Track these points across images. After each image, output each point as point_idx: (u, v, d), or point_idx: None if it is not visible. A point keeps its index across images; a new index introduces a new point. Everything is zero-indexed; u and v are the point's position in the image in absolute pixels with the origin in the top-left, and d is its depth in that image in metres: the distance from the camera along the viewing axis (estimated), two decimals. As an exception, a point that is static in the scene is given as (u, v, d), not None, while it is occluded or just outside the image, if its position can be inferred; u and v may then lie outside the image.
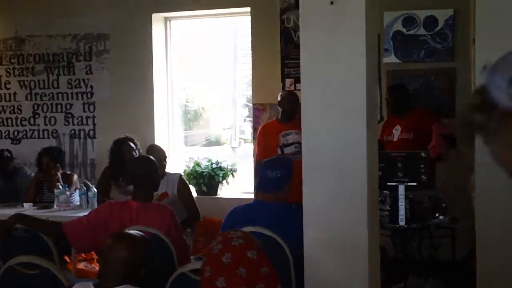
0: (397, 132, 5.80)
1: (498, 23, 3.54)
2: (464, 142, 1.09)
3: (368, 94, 2.81)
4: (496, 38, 3.54)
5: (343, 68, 2.86)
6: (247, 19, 6.95)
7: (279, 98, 5.94)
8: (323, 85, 2.91)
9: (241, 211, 3.77)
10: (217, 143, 9.08)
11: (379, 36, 5.33)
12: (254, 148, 6.49)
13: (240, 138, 7.98)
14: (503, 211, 3.13)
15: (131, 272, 2.41)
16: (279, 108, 5.94)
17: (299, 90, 3.48)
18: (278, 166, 3.74)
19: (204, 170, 7.00)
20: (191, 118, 8.65)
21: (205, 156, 7.28)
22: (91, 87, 7.39)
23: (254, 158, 6.43)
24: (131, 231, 2.63)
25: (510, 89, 1.03)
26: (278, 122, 5.96)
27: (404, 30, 6.32)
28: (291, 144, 5.79)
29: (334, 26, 2.88)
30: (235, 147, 7.85)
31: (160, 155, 5.40)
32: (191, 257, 4.00)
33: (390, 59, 6.37)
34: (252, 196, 5.87)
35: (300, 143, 5.56)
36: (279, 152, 5.77)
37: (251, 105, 7.12)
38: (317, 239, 2.94)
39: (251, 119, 7.09)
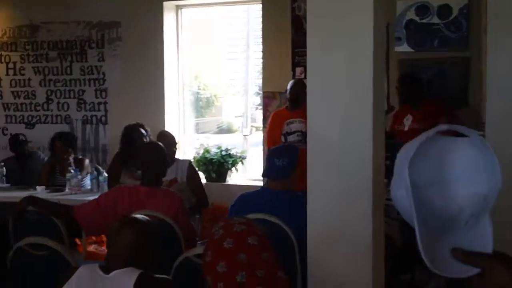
0: (408, 121, 5.77)
1: (510, 11, 3.51)
2: None
3: (375, 83, 2.78)
4: (508, 27, 3.51)
5: (350, 56, 2.83)
6: (259, 7, 6.95)
7: (288, 86, 5.95)
8: (329, 74, 2.88)
9: (247, 198, 3.78)
10: (228, 130, 9.11)
11: (388, 24, 5.29)
12: (264, 135, 6.50)
13: (251, 126, 7.99)
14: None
15: (137, 255, 2.45)
16: (288, 96, 5.95)
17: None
18: (284, 154, 3.73)
19: (213, 157, 7.04)
20: (203, 106, 8.67)
21: (215, 143, 7.31)
22: (103, 73, 7.46)
23: (264, 145, 6.44)
24: (138, 216, 2.66)
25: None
26: (286, 110, 5.97)
27: (417, 18, 6.27)
28: (294, 132, 5.79)
29: (341, 14, 2.85)
30: (247, 135, 7.86)
31: (170, 142, 5.43)
32: (198, 242, 4.03)
33: (403, 48, 6.32)
34: (261, 183, 5.90)
35: (302, 132, 5.62)
36: (283, 140, 5.78)
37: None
38: (320, 229, 2.91)
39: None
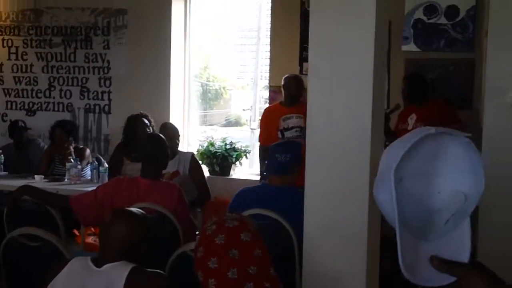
0: (412, 120, 5.74)
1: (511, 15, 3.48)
2: None
3: (375, 80, 2.77)
4: (508, 30, 3.48)
5: (351, 53, 2.83)
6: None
7: (282, 82, 5.89)
8: (330, 71, 2.88)
9: (248, 193, 3.75)
10: (236, 123, 9.08)
11: (390, 23, 5.25)
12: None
13: (259, 120, 7.96)
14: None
15: (129, 249, 2.40)
16: (283, 91, 5.89)
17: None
18: (287, 149, 3.70)
19: (217, 150, 6.99)
20: (211, 97, 8.63)
21: (221, 136, 7.27)
22: (108, 62, 7.38)
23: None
24: (132, 209, 2.62)
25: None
26: (281, 106, 5.92)
27: (425, 18, 6.21)
28: (292, 128, 5.75)
29: (344, 10, 2.85)
30: (254, 129, 7.83)
31: (172, 134, 5.40)
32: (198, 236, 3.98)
33: (410, 47, 6.27)
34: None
35: (301, 127, 5.58)
36: (280, 136, 5.73)
37: (271, 87, 7.06)
38: (317, 224, 2.92)
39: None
